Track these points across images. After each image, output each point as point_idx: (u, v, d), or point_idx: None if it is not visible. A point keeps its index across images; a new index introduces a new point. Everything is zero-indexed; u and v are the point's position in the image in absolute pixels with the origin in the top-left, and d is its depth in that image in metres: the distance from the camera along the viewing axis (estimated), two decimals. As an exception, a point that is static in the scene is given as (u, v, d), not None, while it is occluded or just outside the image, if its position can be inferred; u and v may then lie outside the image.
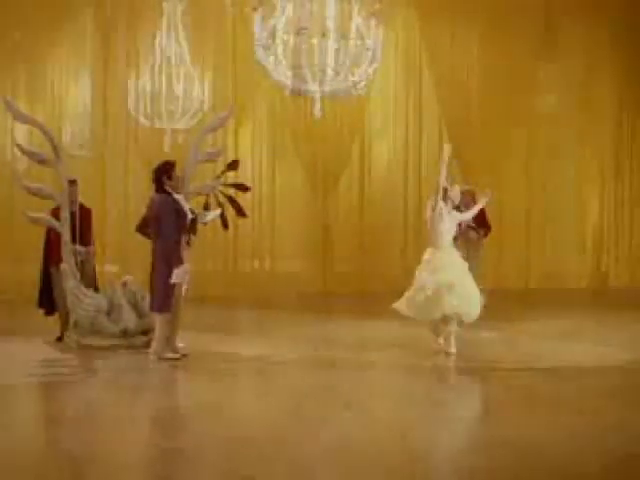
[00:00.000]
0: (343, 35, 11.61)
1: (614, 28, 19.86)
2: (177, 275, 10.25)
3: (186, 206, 10.49)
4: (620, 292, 19.53)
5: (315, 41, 11.61)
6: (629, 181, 20.75)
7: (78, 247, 11.52)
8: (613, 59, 20.11)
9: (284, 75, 11.82)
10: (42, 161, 11.54)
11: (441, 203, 10.91)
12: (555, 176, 20.25)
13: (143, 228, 10.88)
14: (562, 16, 19.64)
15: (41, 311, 12.06)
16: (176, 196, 10.41)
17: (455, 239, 11.53)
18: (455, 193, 11.17)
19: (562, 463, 6.54)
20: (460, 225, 12.03)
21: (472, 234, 13.42)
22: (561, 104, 20.20)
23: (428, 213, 11.04)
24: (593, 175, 20.62)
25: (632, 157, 20.70)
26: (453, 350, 10.70)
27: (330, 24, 11.52)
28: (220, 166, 12.40)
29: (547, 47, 19.68)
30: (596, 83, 20.12)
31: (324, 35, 11.48)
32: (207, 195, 11.42)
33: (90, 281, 11.79)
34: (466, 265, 11.05)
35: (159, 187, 10.43)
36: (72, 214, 11.51)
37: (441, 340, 10.91)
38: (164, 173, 10.42)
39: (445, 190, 11.07)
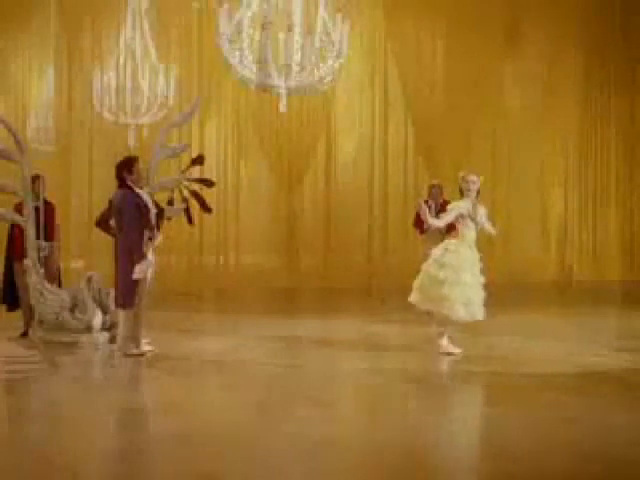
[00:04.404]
0: (309, 30, 11.60)
1: (578, 23, 19.98)
2: (139, 270, 10.18)
3: (149, 201, 10.43)
4: (585, 286, 19.65)
5: (281, 36, 11.59)
6: (593, 176, 20.90)
7: (42, 242, 11.45)
8: (577, 54, 20.23)
9: (249, 70, 11.79)
10: (5, 156, 11.44)
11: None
12: (520, 171, 20.35)
13: (102, 223, 10.86)
14: (526, 12, 19.74)
15: (4, 307, 12.00)
16: (138, 190, 10.35)
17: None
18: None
19: (524, 461, 6.55)
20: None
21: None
22: (526, 100, 20.29)
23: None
24: (558, 170, 20.75)
25: (596, 152, 20.84)
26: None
27: (296, 19, 11.52)
28: (185, 161, 12.37)
29: (512, 43, 19.79)
30: (561, 79, 20.22)
31: (290, 30, 11.47)
32: (171, 190, 11.39)
33: (53, 277, 11.73)
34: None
35: (121, 182, 10.39)
36: (36, 209, 11.44)
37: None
38: (125, 168, 10.37)
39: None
